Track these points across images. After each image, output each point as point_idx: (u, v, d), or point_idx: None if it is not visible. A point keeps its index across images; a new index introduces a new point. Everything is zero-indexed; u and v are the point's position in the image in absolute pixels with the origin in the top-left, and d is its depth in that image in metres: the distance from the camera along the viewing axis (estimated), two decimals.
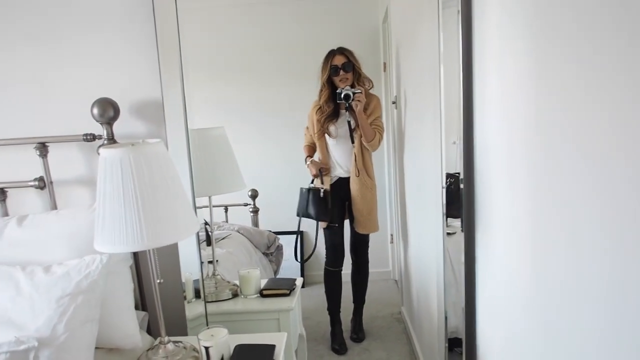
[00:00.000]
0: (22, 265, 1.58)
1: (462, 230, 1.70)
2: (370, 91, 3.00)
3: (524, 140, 1.21)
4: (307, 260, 3.47)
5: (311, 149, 3.13)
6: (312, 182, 3.10)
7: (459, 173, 1.69)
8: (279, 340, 1.75)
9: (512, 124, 1.29)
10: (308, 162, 3.11)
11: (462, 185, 1.67)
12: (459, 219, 1.72)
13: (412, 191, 2.87)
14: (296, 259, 3.51)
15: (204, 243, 2.34)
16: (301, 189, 3.10)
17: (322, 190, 3.01)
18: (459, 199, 1.70)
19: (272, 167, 3.84)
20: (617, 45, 0.80)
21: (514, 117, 1.27)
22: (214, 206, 2.25)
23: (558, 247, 1.07)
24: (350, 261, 3.27)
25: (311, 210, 3.04)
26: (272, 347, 1.67)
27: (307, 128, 3.16)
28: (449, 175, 1.75)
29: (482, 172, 1.56)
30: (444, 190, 1.77)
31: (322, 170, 3.05)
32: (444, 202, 1.78)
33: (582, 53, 0.91)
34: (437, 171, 1.82)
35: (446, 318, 1.88)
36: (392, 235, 4.11)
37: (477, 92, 1.54)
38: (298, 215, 3.11)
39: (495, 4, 1.36)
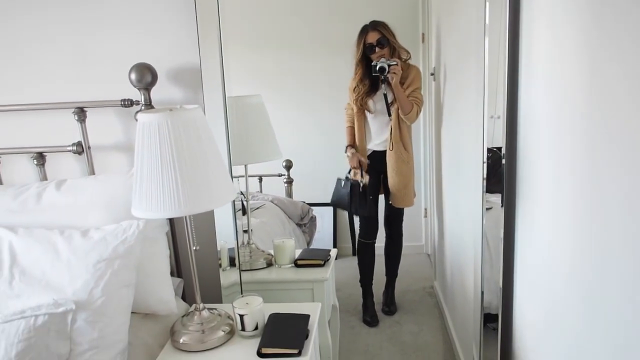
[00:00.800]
0: (61, 230, 1.59)
1: (501, 206, 1.67)
2: (409, 62, 2.91)
3: (572, 115, 1.17)
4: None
5: (352, 133, 3.04)
6: (349, 172, 3.05)
7: (497, 148, 1.65)
8: (314, 310, 1.74)
9: (561, 99, 1.25)
10: (348, 153, 3.03)
11: (503, 161, 1.63)
12: (497, 194, 1.69)
13: (449, 165, 2.82)
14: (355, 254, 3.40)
15: (239, 212, 2.34)
16: (339, 179, 3.06)
17: (361, 184, 2.96)
18: (499, 174, 1.67)
19: (306, 138, 3.81)
20: None
21: (563, 91, 1.23)
22: (249, 176, 2.23)
23: (599, 226, 1.04)
24: (384, 234, 3.23)
25: (349, 203, 3.01)
26: (306, 317, 1.66)
27: (348, 105, 3.07)
28: (488, 150, 1.71)
29: (525, 147, 1.52)
30: (485, 165, 1.72)
31: (361, 164, 2.99)
32: (485, 177, 1.73)
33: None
34: (478, 146, 1.78)
35: (482, 293, 1.85)
36: (425, 209, 4.07)
37: (523, 65, 1.50)
38: (332, 204, 3.08)
39: None
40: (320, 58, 3.72)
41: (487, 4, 1.63)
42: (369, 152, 3.04)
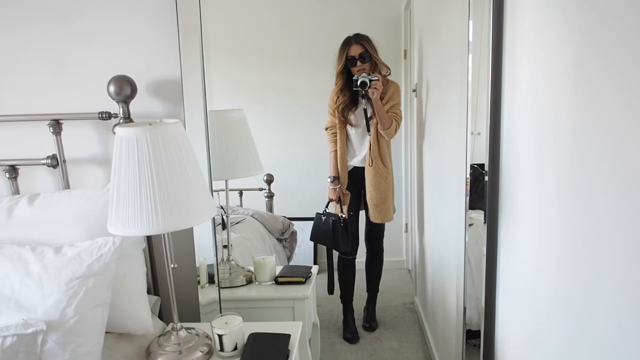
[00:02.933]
0: (32, 246, 1.54)
1: (484, 222, 1.66)
2: (389, 78, 2.91)
3: (557, 132, 1.17)
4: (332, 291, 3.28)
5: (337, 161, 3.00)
6: (327, 206, 3.01)
7: (479, 165, 1.66)
8: (294, 329, 1.70)
9: (543, 117, 1.24)
10: (330, 185, 2.99)
11: (486, 178, 1.63)
12: (479, 211, 1.70)
13: (431, 181, 2.81)
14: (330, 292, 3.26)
15: (219, 227, 2.29)
16: (317, 214, 2.99)
17: (342, 219, 2.92)
18: (480, 190, 1.67)
19: (288, 152, 3.77)
20: None
21: (547, 110, 1.22)
22: (230, 190, 2.19)
23: (587, 244, 1.03)
24: (365, 250, 3.21)
25: (331, 241, 2.95)
26: (287, 337, 1.62)
27: (330, 123, 3.00)
28: (470, 167, 1.72)
29: (508, 164, 1.52)
30: (468, 181, 1.72)
31: (341, 199, 2.97)
32: (468, 193, 1.73)
33: (621, 43, 0.87)
34: (460, 162, 1.77)
35: (465, 309, 1.84)
36: (406, 224, 4.06)
37: (507, 82, 1.50)
38: (312, 240, 3.04)
39: None
40: (304, 71, 3.70)
41: (471, 21, 1.64)
42: (350, 168, 3.01)
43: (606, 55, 0.93)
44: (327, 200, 3.02)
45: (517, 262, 1.48)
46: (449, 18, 2.22)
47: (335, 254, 3.09)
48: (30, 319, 1.35)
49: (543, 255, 1.27)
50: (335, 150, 2.99)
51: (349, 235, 2.98)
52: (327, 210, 3.02)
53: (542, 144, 1.25)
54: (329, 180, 3.02)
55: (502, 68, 1.52)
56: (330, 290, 3.07)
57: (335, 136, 2.97)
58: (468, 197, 1.73)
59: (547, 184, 1.23)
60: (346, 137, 2.98)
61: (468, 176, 1.72)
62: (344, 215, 2.94)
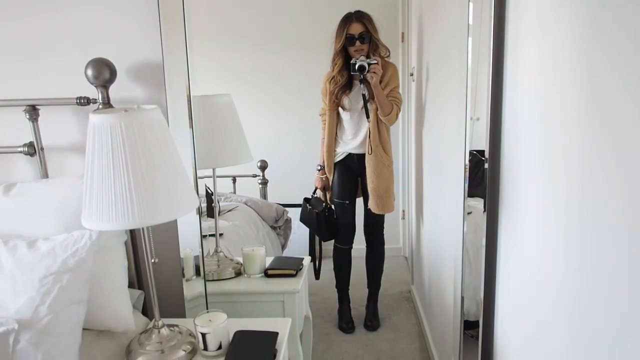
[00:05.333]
0: (5, 240, 1.45)
1: (484, 211, 1.60)
2: (387, 59, 2.78)
3: (565, 118, 1.10)
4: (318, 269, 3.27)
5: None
6: (314, 192, 3.00)
7: (478, 151, 1.59)
8: (283, 326, 1.63)
9: (548, 102, 1.18)
10: (318, 173, 2.97)
11: (486, 165, 1.56)
12: (478, 198, 1.63)
13: (430, 167, 2.74)
14: (317, 277, 3.25)
15: (206, 215, 2.22)
16: (304, 200, 3.01)
17: (326, 210, 2.93)
18: (480, 177, 1.60)
19: (282, 138, 3.70)
20: None
21: (552, 95, 1.16)
22: (221, 176, 2.11)
23: (594, 236, 0.98)
24: (362, 239, 3.12)
25: (317, 231, 3.00)
26: (274, 335, 1.55)
27: (323, 109, 2.92)
28: (470, 153, 1.65)
29: (509, 150, 1.46)
30: (467, 168, 1.67)
31: (326, 188, 2.94)
32: (467, 180, 1.67)
33: (634, 26, 0.81)
34: (460, 148, 1.72)
35: (463, 299, 1.80)
36: (403, 211, 4.00)
37: (509, 66, 1.44)
38: (301, 222, 3.05)
39: None
40: (297, 54, 3.61)
41: (471, 3, 1.58)
42: (344, 155, 2.90)
43: (617, 37, 0.86)
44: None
45: (518, 253, 1.43)
46: (448, 0, 2.13)
47: (329, 242, 3.05)
48: (1, 318, 1.28)
49: (547, 247, 1.22)
50: (322, 167, 2.96)
51: (333, 225, 2.95)
52: (315, 196, 2.98)
53: (547, 130, 1.19)
54: (317, 168, 2.96)
55: (504, 51, 1.45)
56: (317, 276, 3.06)
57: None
58: (467, 185, 1.68)
59: (553, 172, 1.17)
60: (336, 123, 2.87)
61: (467, 162, 1.66)
62: (327, 205, 2.91)
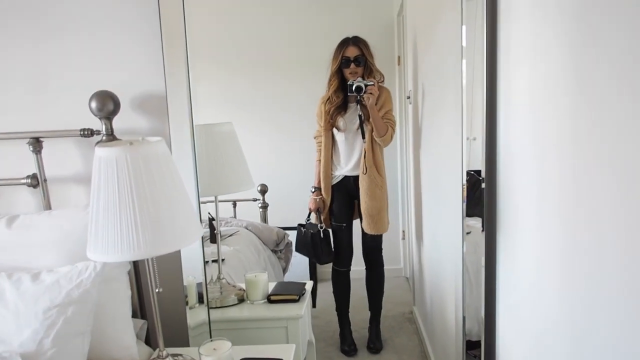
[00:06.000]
0: (9, 272, 1.46)
1: (482, 231, 1.62)
2: (380, 84, 2.83)
3: (556, 138, 1.13)
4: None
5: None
6: (308, 217, 2.98)
7: (476, 171, 1.62)
8: (287, 353, 1.63)
9: (541, 121, 1.21)
10: (312, 194, 2.96)
11: (483, 185, 1.58)
12: (476, 218, 1.65)
13: (428, 188, 2.76)
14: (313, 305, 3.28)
15: (208, 240, 2.22)
16: (299, 226, 2.99)
17: (321, 231, 2.90)
18: (477, 197, 1.62)
19: (282, 161, 3.71)
20: None
21: (545, 113, 1.19)
22: (221, 201, 2.13)
23: (589, 253, 0.99)
24: (361, 261, 3.11)
25: (313, 254, 2.97)
26: None
27: (318, 132, 2.95)
28: (467, 173, 1.69)
29: (505, 170, 1.48)
30: (464, 188, 1.69)
31: (320, 210, 2.93)
32: (465, 200, 1.70)
33: (622, 48, 0.83)
34: (457, 168, 1.75)
35: (464, 319, 1.80)
36: (403, 231, 3.99)
37: (502, 87, 1.47)
38: (297, 251, 3.04)
39: None
40: (296, 78, 3.65)
41: (464, 26, 1.62)
42: (340, 178, 2.93)
43: (608, 57, 0.89)
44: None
45: (517, 271, 1.44)
46: (442, 24, 2.20)
47: (325, 265, 3.04)
48: (4, 352, 1.28)
49: (544, 265, 1.23)
50: (318, 188, 2.95)
51: (330, 246, 2.94)
52: (309, 221, 2.96)
53: (541, 149, 1.22)
54: (311, 190, 2.96)
55: (497, 72, 1.49)
56: (314, 304, 3.02)
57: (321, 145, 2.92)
58: (465, 204, 1.70)
59: (547, 191, 1.19)
60: (332, 145, 2.90)
61: (464, 182, 1.69)
62: (322, 226, 2.89)
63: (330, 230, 2.95)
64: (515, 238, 1.43)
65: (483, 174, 1.57)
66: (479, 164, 1.58)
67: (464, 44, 1.62)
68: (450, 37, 1.91)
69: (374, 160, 2.81)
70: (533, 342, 1.33)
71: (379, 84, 2.80)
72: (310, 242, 2.92)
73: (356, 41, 2.78)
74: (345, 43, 2.78)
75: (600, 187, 0.93)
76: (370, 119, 2.73)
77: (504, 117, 1.46)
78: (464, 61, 1.63)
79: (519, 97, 1.35)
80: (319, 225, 2.91)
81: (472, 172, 1.65)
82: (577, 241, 1.04)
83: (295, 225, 3.10)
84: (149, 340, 1.81)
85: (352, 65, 2.75)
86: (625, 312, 0.87)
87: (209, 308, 1.88)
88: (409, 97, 3.20)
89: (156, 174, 1.32)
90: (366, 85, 2.63)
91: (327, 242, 2.94)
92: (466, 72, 1.63)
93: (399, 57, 3.68)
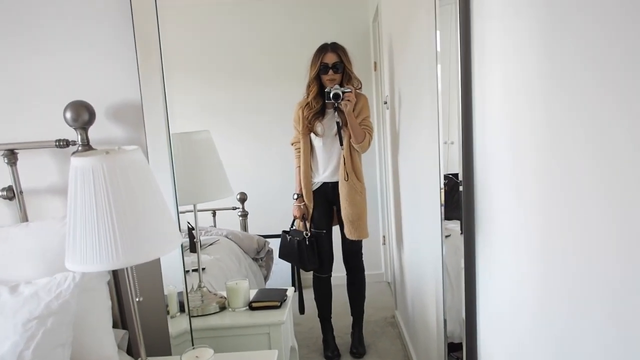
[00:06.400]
0: None
1: (461, 233, 1.63)
2: (358, 91, 2.85)
3: (530, 140, 1.14)
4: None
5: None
6: (292, 224, 2.98)
7: (454, 175, 1.63)
8: (270, 359, 1.63)
9: (517, 123, 1.22)
10: (295, 201, 2.95)
11: (461, 188, 1.59)
12: (455, 221, 1.66)
13: (407, 192, 2.78)
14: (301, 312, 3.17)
15: (188, 250, 2.22)
16: (283, 232, 2.99)
17: (307, 238, 2.90)
18: (456, 200, 1.63)
19: (261, 169, 3.71)
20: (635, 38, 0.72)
21: (519, 116, 1.20)
22: (201, 210, 2.12)
23: (566, 254, 1.00)
24: (342, 267, 3.12)
25: (299, 260, 2.96)
26: None
27: (295, 138, 2.96)
28: (445, 177, 1.69)
29: (482, 173, 1.49)
30: (442, 191, 1.70)
31: (305, 217, 2.93)
32: (443, 204, 1.70)
33: (596, 47, 0.85)
34: (434, 172, 1.76)
35: (445, 322, 1.81)
36: (384, 236, 4.01)
37: (477, 91, 1.48)
38: (281, 258, 3.03)
39: None
40: (273, 86, 3.65)
41: (438, 32, 1.63)
42: (319, 184, 2.94)
43: (581, 58, 0.90)
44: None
45: (496, 273, 1.45)
46: (416, 29, 2.21)
47: (308, 272, 3.04)
48: None
49: (523, 267, 1.24)
50: (300, 195, 2.95)
51: (316, 252, 2.93)
52: (294, 228, 2.96)
53: (517, 152, 1.23)
54: (294, 197, 2.96)
55: (472, 76, 1.50)
56: (301, 310, 3.03)
57: (300, 151, 2.92)
58: (443, 208, 1.70)
59: (524, 192, 1.20)
60: (310, 151, 2.91)
61: (442, 186, 1.70)
62: (308, 233, 2.90)
63: (313, 237, 2.95)
64: (494, 240, 1.44)
65: (461, 177, 1.58)
66: (457, 168, 1.59)
67: (438, 49, 1.63)
68: (425, 42, 1.92)
69: (352, 166, 2.83)
70: (514, 343, 1.34)
71: (357, 90, 2.81)
72: (297, 249, 2.91)
73: (335, 47, 2.78)
74: (323, 49, 2.78)
75: (577, 188, 0.94)
76: (348, 126, 2.75)
77: (480, 121, 1.48)
78: (439, 66, 1.64)
79: (493, 100, 1.36)
80: (304, 232, 2.91)
81: (450, 176, 1.66)
82: (555, 242, 1.05)
83: (275, 232, 3.10)
84: (131, 350, 1.80)
85: (330, 72, 2.75)
86: (605, 311, 0.88)
87: (190, 316, 1.88)
88: (385, 103, 3.23)
89: (133, 182, 1.31)
90: (343, 93, 2.65)
91: (312, 249, 2.92)
92: (441, 77, 1.64)
93: (375, 63, 3.71)
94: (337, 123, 2.76)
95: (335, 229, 3.03)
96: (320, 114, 2.84)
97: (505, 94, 1.28)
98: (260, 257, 3.23)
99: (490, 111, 1.39)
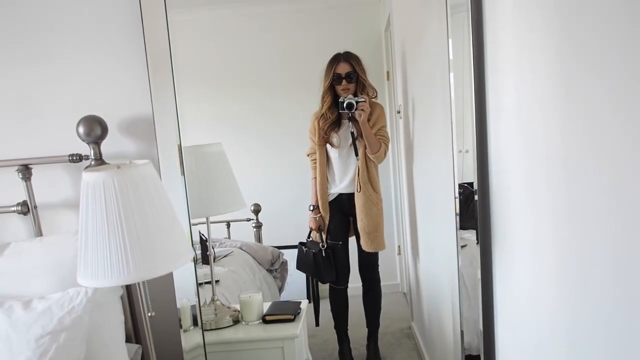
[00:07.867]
0: (0, 301, 1.45)
1: (477, 243, 1.61)
2: (374, 100, 2.84)
3: (545, 149, 1.13)
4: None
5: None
6: (309, 235, 2.97)
7: (469, 183, 1.61)
8: None
9: (531, 132, 1.21)
10: (311, 213, 2.93)
11: (476, 197, 1.58)
12: (471, 231, 1.64)
13: (422, 202, 2.75)
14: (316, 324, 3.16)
15: (201, 262, 2.21)
16: (300, 244, 2.97)
17: (323, 250, 2.88)
18: (471, 209, 1.62)
19: (275, 180, 3.70)
20: None
21: (533, 124, 1.19)
22: (215, 222, 2.12)
23: (582, 263, 0.99)
24: (358, 278, 3.09)
25: (316, 273, 2.94)
26: None
27: (311, 148, 2.95)
28: (460, 186, 1.67)
29: (497, 182, 1.48)
30: (457, 200, 1.68)
31: (321, 228, 2.91)
32: (458, 213, 1.68)
33: (610, 56, 0.84)
34: (449, 181, 1.74)
35: (462, 333, 1.78)
36: (399, 246, 3.98)
37: (491, 99, 1.47)
38: (298, 269, 3.01)
39: (509, 4, 1.27)
40: (287, 96, 3.65)
41: (450, 40, 1.62)
42: (335, 195, 2.92)
43: (594, 66, 0.89)
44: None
45: (513, 283, 1.43)
46: (428, 38, 2.20)
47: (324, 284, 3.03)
48: None
49: (540, 276, 1.22)
50: (316, 207, 2.93)
51: (332, 265, 2.90)
52: (311, 239, 2.94)
53: (531, 160, 1.22)
54: (310, 209, 2.95)
55: (485, 85, 1.49)
56: (317, 322, 3.01)
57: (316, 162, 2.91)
58: (458, 217, 1.68)
59: (539, 201, 1.18)
60: (326, 162, 2.89)
61: (457, 195, 1.68)
62: (324, 245, 2.87)
63: (330, 249, 2.93)
64: (510, 249, 1.42)
65: (475, 186, 1.57)
66: (472, 177, 1.58)
67: (451, 57, 1.62)
68: (438, 50, 1.91)
69: (368, 177, 2.80)
70: (533, 353, 1.32)
71: (372, 99, 2.80)
72: (313, 261, 2.89)
73: (347, 57, 2.76)
74: (336, 59, 2.76)
75: (592, 196, 0.93)
76: (363, 136, 2.73)
77: (494, 129, 1.46)
78: (451, 74, 1.63)
79: (507, 108, 1.35)
80: (320, 244, 2.89)
81: (466, 185, 1.64)
82: (572, 250, 1.04)
83: (290, 243, 3.09)
84: None
85: (344, 82, 2.73)
86: (622, 321, 0.86)
87: (203, 330, 1.87)
88: (399, 112, 3.21)
89: (144, 196, 1.31)
90: (357, 102, 2.63)
91: (329, 261, 2.90)
92: (454, 85, 1.63)
93: (387, 73, 3.70)
94: (352, 133, 2.74)
95: (352, 240, 3.01)
96: (336, 124, 2.82)
97: (519, 102, 1.26)
98: (274, 268, 3.22)
99: (504, 119, 1.38)
